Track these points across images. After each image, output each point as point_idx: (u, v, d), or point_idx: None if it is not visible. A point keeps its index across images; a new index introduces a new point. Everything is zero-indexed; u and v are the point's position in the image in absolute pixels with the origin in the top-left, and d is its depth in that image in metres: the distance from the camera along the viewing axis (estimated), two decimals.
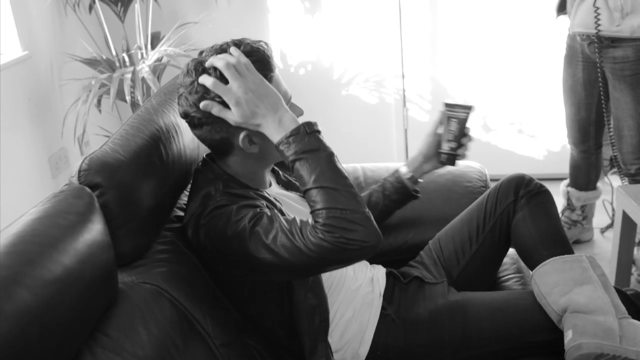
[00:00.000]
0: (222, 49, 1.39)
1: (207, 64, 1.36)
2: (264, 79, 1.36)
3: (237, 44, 1.39)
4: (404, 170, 1.79)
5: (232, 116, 1.34)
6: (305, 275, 1.43)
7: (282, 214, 1.42)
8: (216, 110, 1.35)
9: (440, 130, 1.71)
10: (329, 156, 1.31)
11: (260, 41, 1.43)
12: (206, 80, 1.34)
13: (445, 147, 1.67)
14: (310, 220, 1.30)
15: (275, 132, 1.33)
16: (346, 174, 1.32)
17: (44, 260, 1.01)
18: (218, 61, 1.34)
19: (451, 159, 1.69)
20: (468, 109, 1.65)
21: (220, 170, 1.46)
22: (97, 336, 1.12)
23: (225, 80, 1.34)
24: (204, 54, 1.41)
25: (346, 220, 1.25)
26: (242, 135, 1.39)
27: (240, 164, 1.47)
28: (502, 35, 3.34)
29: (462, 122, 1.65)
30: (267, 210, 1.35)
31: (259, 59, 1.38)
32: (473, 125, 3.40)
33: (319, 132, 1.34)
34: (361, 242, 1.25)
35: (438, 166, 1.74)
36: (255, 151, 1.43)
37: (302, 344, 1.45)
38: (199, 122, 1.40)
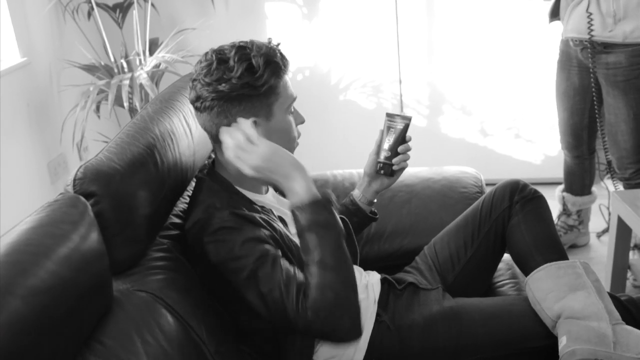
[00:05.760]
0: (241, 47, 1.42)
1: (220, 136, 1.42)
2: (275, 147, 1.39)
3: (249, 49, 1.42)
4: (356, 193, 1.78)
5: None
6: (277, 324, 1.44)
7: (283, 241, 1.44)
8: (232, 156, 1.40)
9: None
10: (339, 235, 1.36)
11: (275, 44, 1.46)
12: (227, 139, 1.39)
13: (382, 156, 1.66)
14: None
15: (289, 195, 1.39)
16: (348, 255, 1.37)
17: (37, 269, 1.01)
18: (229, 141, 1.39)
19: (386, 168, 1.66)
20: (406, 119, 1.65)
21: (226, 183, 1.48)
22: (91, 344, 1.12)
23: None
24: (224, 49, 1.43)
25: (337, 307, 1.32)
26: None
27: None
28: (498, 41, 3.35)
29: (399, 132, 1.65)
30: (272, 251, 1.37)
31: (276, 62, 1.42)
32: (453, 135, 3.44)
33: (332, 204, 1.38)
34: (343, 334, 1.35)
35: (386, 183, 1.71)
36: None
37: None
38: (208, 106, 1.42)
